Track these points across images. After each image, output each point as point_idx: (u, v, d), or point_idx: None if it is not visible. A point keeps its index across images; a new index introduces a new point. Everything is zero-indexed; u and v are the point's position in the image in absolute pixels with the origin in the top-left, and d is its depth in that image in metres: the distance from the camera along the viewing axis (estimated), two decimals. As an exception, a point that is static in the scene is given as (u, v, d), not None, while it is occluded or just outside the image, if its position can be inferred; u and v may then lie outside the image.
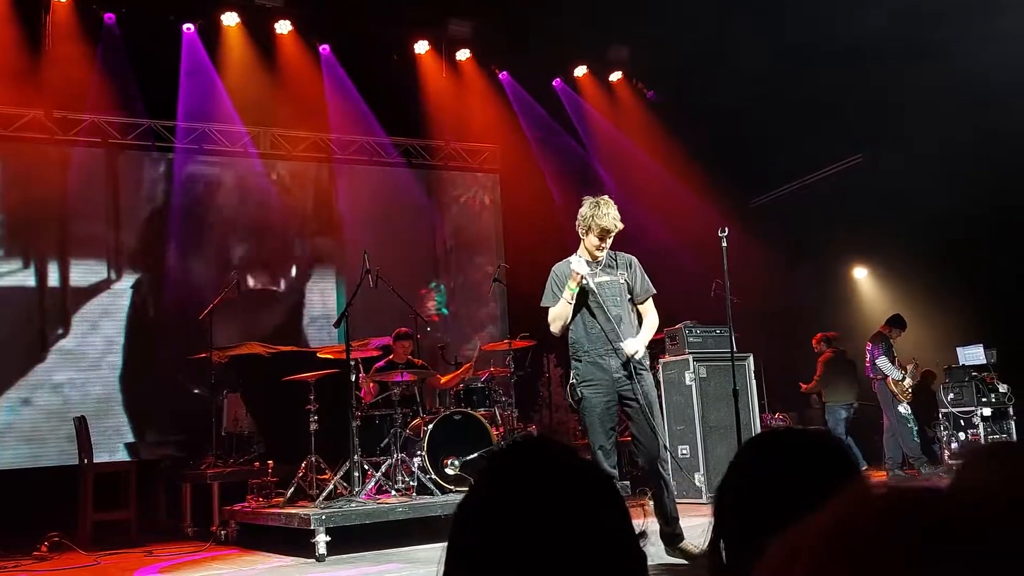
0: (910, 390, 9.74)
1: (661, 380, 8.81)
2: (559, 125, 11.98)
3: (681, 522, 5.46)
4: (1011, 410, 9.69)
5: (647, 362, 5.62)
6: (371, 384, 8.06)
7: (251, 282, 10.65)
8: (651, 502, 5.51)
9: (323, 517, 6.46)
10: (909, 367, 9.79)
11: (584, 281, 5.41)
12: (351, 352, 7.39)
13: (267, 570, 6.36)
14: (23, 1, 9.22)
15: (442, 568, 1.02)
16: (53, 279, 9.89)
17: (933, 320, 10.47)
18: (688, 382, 8.73)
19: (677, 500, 5.66)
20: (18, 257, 9.81)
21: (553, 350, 10.16)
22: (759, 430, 8.35)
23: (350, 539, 6.60)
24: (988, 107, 8.87)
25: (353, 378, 7.39)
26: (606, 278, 5.52)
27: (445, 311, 11.77)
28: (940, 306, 10.32)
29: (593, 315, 5.46)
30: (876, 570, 0.56)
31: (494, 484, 1.04)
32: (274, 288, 11.01)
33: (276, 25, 10.28)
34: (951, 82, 8.83)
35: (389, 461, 7.36)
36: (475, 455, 7.33)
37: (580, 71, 11.92)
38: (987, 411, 9.64)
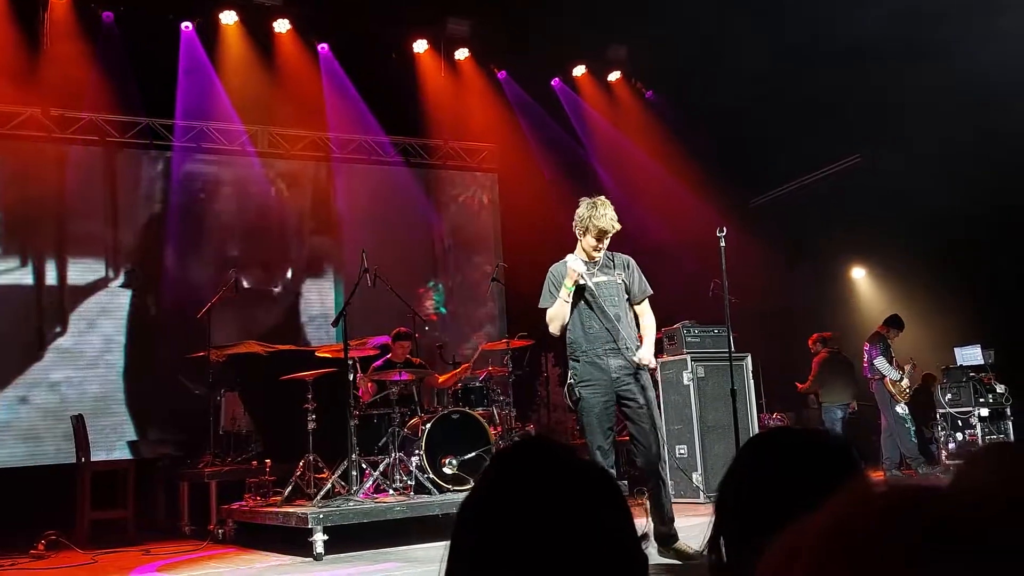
0: (908, 390, 9.75)
1: (659, 380, 8.80)
2: (558, 125, 11.98)
3: (676, 522, 5.46)
4: (1009, 410, 9.70)
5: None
6: (369, 383, 8.06)
7: (249, 281, 10.65)
8: (648, 502, 5.51)
9: (321, 516, 6.46)
10: (907, 367, 9.79)
11: (581, 280, 5.41)
12: (349, 351, 7.39)
13: (265, 569, 6.36)
14: (21, -1, 9.22)
15: (444, 567, 1.02)
16: (51, 277, 9.89)
17: (931, 320, 10.48)
18: (686, 382, 8.74)
19: (674, 500, 5.67)
20: (16, 255, 9.80)
21: (551, 350, 10.17)
22: (757, 430, 8.35)
23: (348, 538, 6.60)
24: (988, 107, 8.88)
25: (351, 377, 7.39)
26: (604, 278, 5.52)
27: (443, 310, 11.76)
28: (938, 306, 10.33)
29: (591, 315, 5.46)
30: (876, 570, 0.56)
31: (496, 484, 1.04)
32: (272, 287, 11.00)
33: (275, 24, 10.28)
34: (951, 82, 8.83)
35: (387, 460, 7.36)
36: (473, 454, 7.34)
37: (579, 71, 11.92)
38: (985, 411, 9.64)
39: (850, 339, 10.73)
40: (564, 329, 5.54)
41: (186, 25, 10.08)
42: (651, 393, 5.54)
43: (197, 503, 8.28)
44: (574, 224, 5.51)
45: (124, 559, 7.04)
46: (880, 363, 9.67)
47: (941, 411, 9.88)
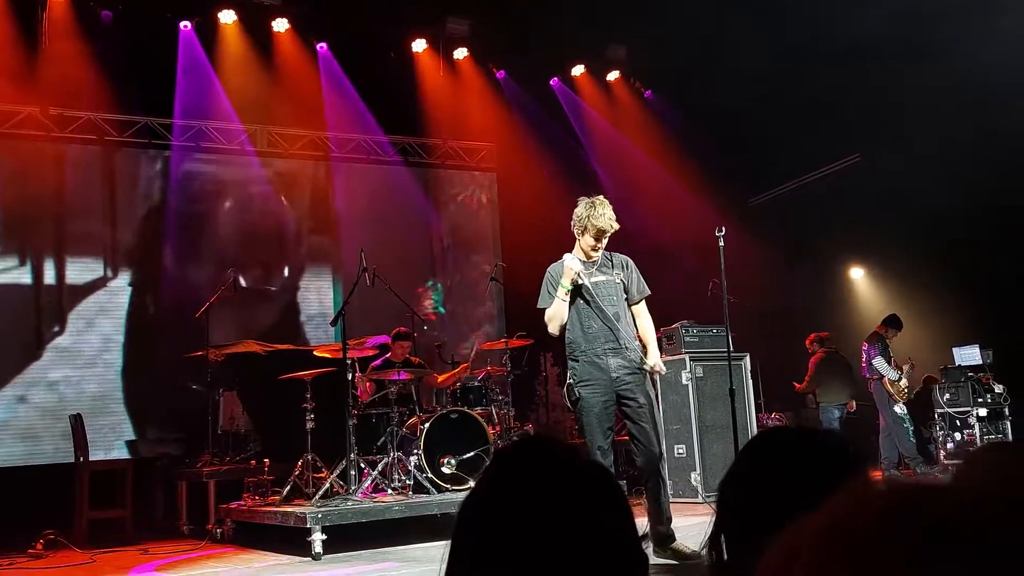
0: (906, 390, 9.75)
1: (657, 379, 8.79)
2: (557, 124, 11.98)
3: (673, 523, 5.46)
4: (1007, 410, 9.70)
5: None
6: (368, 383, 8.06)
7: (248, 280, 10.64)
8: (646, 501, 5.51)
9: (319, 515, 6.46)
10: (905, 367, 9.80)
11: (579, 280, 5.41)
12: (348, 351, 7.39)
13: (263, 568, 6.35)
14: (20, -3, 9.21)
15: (444, 567, 1.02)
16: (49, 276, 9.88)
17: (930, 320, 10.48)
18: (685, 381, 8.74)
19: (672, 499, 5.67)
20: (14, 254, 9.79)
21: (550, 349, 10.17)
22: (755, 430, 8.35)
23: (346, 537, 6.60)
24: (988, 107, 8.88)
25: (350, 377, 7.39)
26: (602, 278, 5.52)
27: (442, 310, 11.76)
28: (937, 306, 10.33)
29: (590, 314, 5.46)
30: (876, 570, 0.56)
31: (496, 483, 1.04)
32: (271, 286, 11.00)
33: (273, 23, 10.27)
34: (951, 82, 8.83)
35: (385, 460, 7.36)
36: (471, 454, 7.34)
37: (578, 70, 11.92)
38: (983, 411, 9.65)
39: (849, 339, 10.73)
40: (563, 329, 5.54)
41: (185, 24, 10.07)
42: (651, 393, 5.55)
43: (195, 502, 8.27)
44: (572, 224, 5.51)
45: (122, 558, 7.04)
46: (878, 363, 9.67)
47: (939, 411, 9.88)
